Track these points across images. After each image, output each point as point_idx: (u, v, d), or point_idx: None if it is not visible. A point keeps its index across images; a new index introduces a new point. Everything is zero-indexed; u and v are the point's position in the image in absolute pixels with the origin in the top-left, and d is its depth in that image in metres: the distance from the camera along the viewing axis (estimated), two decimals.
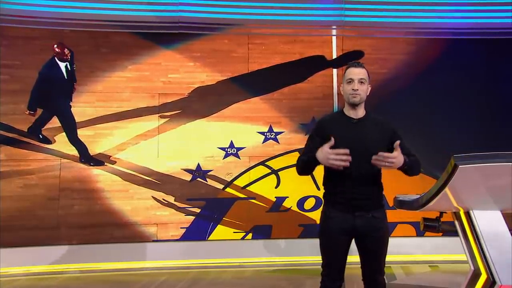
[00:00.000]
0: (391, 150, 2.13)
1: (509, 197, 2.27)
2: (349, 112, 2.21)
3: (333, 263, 2.19)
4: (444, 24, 4.76)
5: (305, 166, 2.24)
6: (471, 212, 2.40)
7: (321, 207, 2.27)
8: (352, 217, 2.13)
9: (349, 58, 4.69)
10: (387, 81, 4.69)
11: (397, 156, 2.06)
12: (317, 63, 4.69)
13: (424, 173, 4.60)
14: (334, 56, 4.72)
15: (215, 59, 4.60)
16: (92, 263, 4.29)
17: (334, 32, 4.71)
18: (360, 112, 2.20)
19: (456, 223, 2.53)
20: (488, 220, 2.35)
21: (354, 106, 2.18)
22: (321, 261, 2.24)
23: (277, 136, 4.61)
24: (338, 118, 2.24)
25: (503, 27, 4.74)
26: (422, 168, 4.78)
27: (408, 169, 2.17)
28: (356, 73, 2.18)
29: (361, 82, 2.17)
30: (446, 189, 2.21)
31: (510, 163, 2.09)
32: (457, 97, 4.73)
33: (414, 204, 2.50)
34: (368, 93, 2.21)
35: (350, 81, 2.18)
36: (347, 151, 2.04)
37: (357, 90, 2.14)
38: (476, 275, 2.37)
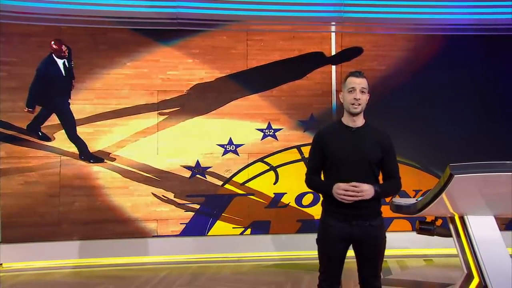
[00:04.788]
0: (384, 160, 2.21)
1: (503, 204, 2.33)
2: (347, 121, 2.24)
3: (330, 270, 2.25)
4: (444, 20, 4.73)
5: (318, 191, 2.43)
6: (465, 217, 2.46)
7: (320, 215, 2.31)
8: (349, 226, 2.17)
9: (348, 55, 4.71)
10: (386, 78, 4.70)
11: (368, 190, 2.13)
12: (316, 60, 4.67)
13: (422, 169, 4.71)
14: (333, 53, 4.70)
15: (214, 56, 4.57)
16: (93, 258, 4.36)
17: (333, 28, 4.68)
18: (359, 121, 2.23)
19: (451, 227, 2.60)
20: (481, 225, 2.42)
21: (354, 115, 2.20)
22: (319, 266, 2.30)
23: (275, 133, 4.63)
24: (336, 128, 2.27)
25: (504, 23, 4.72)
26: (420, 164, 4.88)
27: (381, 196, 2.23)
28: (358, 82, 2.18)
29: (362, 92, 2.18)
30: (441, 196, 2.27)
31: (504, 173, 2.14)
32: (457, 93, 4.74)
33: (411, 209, 2.55)
34: (367, 102, 2.23)
35: (352, 90, 2.18)
36: (355, 189, 2.13)
37: (359, 99, 2.17)
38: (469, 278, 2.44)
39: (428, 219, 2.70)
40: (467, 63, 4.75)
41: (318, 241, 2.28)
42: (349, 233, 2.17)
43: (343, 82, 2.26)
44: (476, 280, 2.37)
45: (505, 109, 4.80)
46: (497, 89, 4.80)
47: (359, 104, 2.17)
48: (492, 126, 4.75)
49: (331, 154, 2.20)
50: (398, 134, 4.54)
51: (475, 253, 2.39)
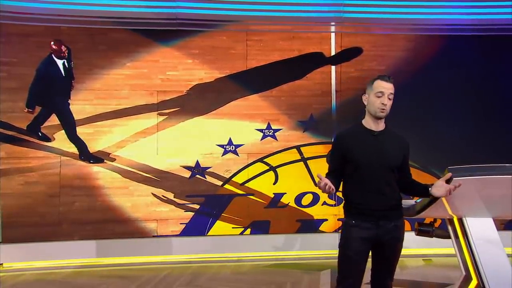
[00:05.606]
0: (403, 163, 2.22)
1: (501, 206, 2.34)
2: (370, 124, 2.19)
3: (351, 276, 2.17)
4: (444, 20, 4.74)
5: None
6: (464, 219, 2.47)
7: (343, 219, 2.25)
8: (376, 227, 2.13)
9: (348, 55, 4.71)
10: None
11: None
12: (316, 60, 4.67)
13: (421, 169, 4.72)
14: (333, 53, 4.70)
15: (214, 56, 4.58)
16: (94, 258, 4.38)
17: (333, 28, 4.68)
18: (381, 125, 2.20)
19: (450, 228, 2.61)
20: (480, 227, 2.44)
21: (378, 119, 2.17)
22: (338, 274, 2.22)
23: (275, 133, 4.64)
24: (357, 131, 2.21)
25: (503, 23, 4.72)
26: (419, 164, 4.91)
27: None
28: (387, 87, 2.14)
29: (390, 98, 2.16)
30: (440, 199, 2.28)
31: (503, 176, 2.15)
32: (456, 93, 4.74)
33: (410, 211, 2.57)
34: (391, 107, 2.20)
35: (380, 95, 2.13)
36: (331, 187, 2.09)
37: (386, 105, 2.13)
38: (467, 279, 2.46)
39: (427, 221, 2.71)
40: (466, 63, 4.76)
41: (341, 244, 2.21)
42: (375, 234, 2.13)
43: (369, 84, 2.19)
44: (474, 282, 2.39)
45: (504, 109, 4.81)
46: (496, 89, 4.81)
47: (385, 110, 2.14)
48: (491, 126, 4.76)
49: (353, 158, 2.16)
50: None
51: (473, 255, 2.40)
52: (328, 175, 2.21)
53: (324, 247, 4.45)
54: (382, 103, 2.11)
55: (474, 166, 2.19)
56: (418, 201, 2.56)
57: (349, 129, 2.29)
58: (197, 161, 4.56)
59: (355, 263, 2.15)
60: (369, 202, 2.13)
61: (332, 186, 2.07)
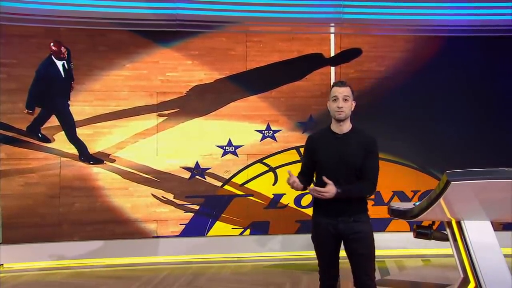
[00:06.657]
0: (362, 162, 2.36)
1: (499, 209, 2.36)
2: (334, 128, 2.41)
3: (325, 263, 2.43)
4: (443, 21, 4.74)
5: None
6: (462, 222, 2.49)
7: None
8: (336, 222, 2.34)
9: (347, 56, 4.71)
10: (385, 79, 4.69)
11: (329, 191, 2.26)
12: (315, 61, 4.67)
13: (420, 170, 4.74)
14: (332, 54, 4.70)
15: (213, 57, 4.58)
16: (94, 259, 4.39)
17: (332, 29, 4.68)
18: (345, 127, 2.39)
19: (448, 231, 2.63)
20: (478, 230, 2.45)
21: (339, 121, 2.37)
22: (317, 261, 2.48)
23: (274, 134, 4.65)
24: (324, 133, 2.44)
25: (503, 24, 4.73)
26: (418, 165, 4.91)
27: (344, 196, 2.32)
28: (340, 91, 2.36)
29: (345, 100, 2.36)
30: (438, 203, 2.29)
31: (501, 180, 2.16)
32: (455, 94, 4.75)
33: (407, 214, 2.58)
34: (352, 109, 2.41)
35: (335, 99, 2.35)
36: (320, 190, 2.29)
37: (342, 107, 2.33)
38: (465, 282, 2.48)
39: (425, 223, 2.73)
40: (466, 64, 4.76)
41: (312, 238, 2.47)
42: (336, 229, 2.34)
43: (329, 92, 2.43)
44: (472, 285, 2.40)
45: (503, 109, 4.81)
46: (496, 89, 4.82)
47: (343, 111, 2.33)
48: (490, 127, 4.77)
49: (318, 159, 2.40)
50: (396, 135, 4.64)
51: (471, 258, 2.42)
52: (300, 174, 2.46)
53: None
54: (338, 106, 2.33)
55: (473, 170, 2.20)
56: (417, 204, 2.58)
57: (319, 131, 2.53)
58: (197, 162, 4.57)
59: (325, 253, 2.41)
60: (329, 200, 2.30)
61: (299, 183, 2.33)
